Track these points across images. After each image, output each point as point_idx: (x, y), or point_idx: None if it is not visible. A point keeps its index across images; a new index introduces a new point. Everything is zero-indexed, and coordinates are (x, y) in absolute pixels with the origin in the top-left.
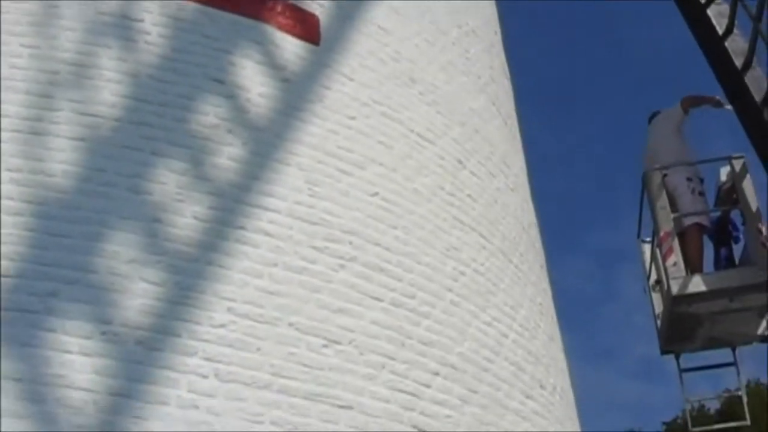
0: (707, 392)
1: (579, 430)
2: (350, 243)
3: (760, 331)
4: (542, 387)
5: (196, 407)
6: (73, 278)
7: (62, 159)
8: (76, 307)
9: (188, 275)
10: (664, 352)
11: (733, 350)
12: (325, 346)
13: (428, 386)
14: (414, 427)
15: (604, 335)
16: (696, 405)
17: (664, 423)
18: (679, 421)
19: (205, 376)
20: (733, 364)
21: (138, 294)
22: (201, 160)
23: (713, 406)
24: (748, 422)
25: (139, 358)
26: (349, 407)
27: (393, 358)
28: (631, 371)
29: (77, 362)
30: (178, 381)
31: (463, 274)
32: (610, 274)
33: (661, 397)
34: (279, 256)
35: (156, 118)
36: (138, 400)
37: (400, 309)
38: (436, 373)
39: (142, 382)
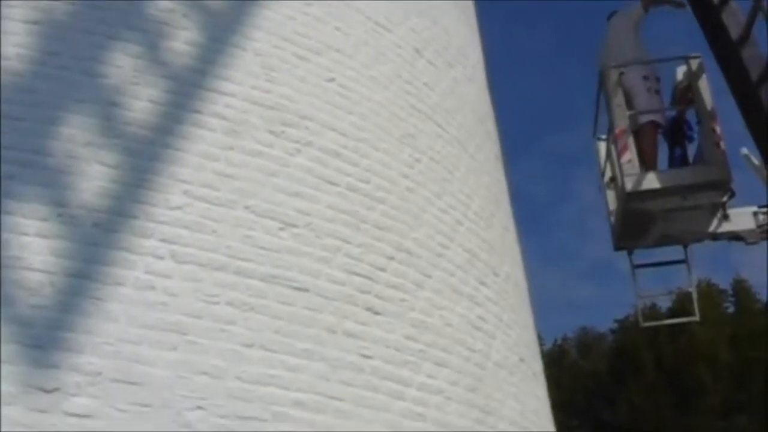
0: (659, 290)
1: (532, 318)
2: (307, 128)
3: (711, 228)
4: (496, 275)
5: (153, 288)
6: (30, 161)
7: (17, 42)
8: (33, 189)
9: (144, 158)
10: (617, 248)
11: (685, 248)
12: (281, 229)
13: (383, 270)
14: (369, 309)
15: (559, 237)
16: (648, 303)
17: (616, 320)
18: (630, 318)
19: (161, 258)
20: (685, 261)
21: (94, 176)
22: (157, 44)
23: (664, 304)
24: (697, 318)
25: (95, 240)
26: (305, 289)
27: (348, 242)
28: (585, 272)
29: (34, 244)
30: (135, 262)
31: (418, 161)
32: (565, 176)
33: (614, 298)
34: (235, 140)
35: (112, 1)
36: (95, 282)
37: (355, 194)
38: (391, 258)
39: (99, 264)
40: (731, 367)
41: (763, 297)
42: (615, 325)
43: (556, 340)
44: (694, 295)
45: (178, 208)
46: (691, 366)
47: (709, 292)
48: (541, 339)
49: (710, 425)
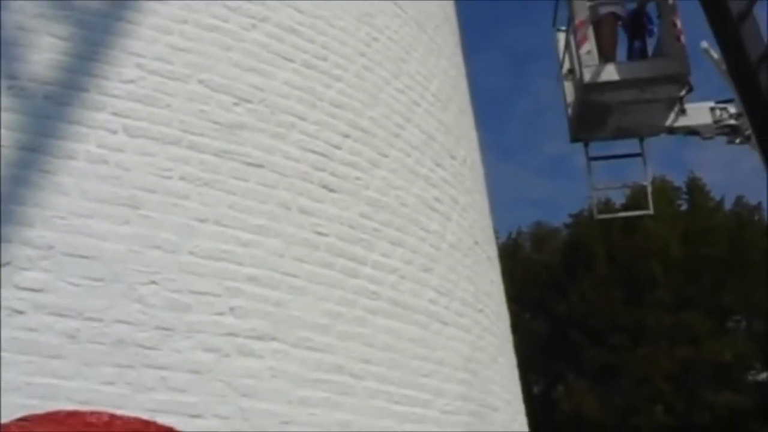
0: (614, 183)
1: (487, 202)
2: (263, 3)
3: (668, 122)
4: (452, 157)
5: (105, 162)
6: None
7: None
8: None
9: (97, 30)
10: (574, 140)
11: (641, 141)
12: (235, 104)
13: (339, 148)
14: (324, 187)
15: (515, 132)
16: (602, 198)
17: (570, 215)
18: (585, 213)
19: (114, 132)
20: (641, 155)
21: (46, 49)
22: None
23: (618, 199)
24: (651, 212)
25: (47, 113)
26: (260, 165)
27: (304, 119)
28: (541, 167)
29: None
30: (87, 136)
31: (376, 40)
32: (522, 71)
33: (569, 193)
34: (189, 13)
35: None
36: (46, 155)
37: (311, 70)
38: (347, 136)
39: (51, 137)
40: (683, 263)
41: (716, 195)
42: (569, 220)
43: (510, 234)
44: (649, 189)
45: (131, 81)
46: (644, 261)
47: (663, 189)
48: (495, 232)
49: (660, 320)
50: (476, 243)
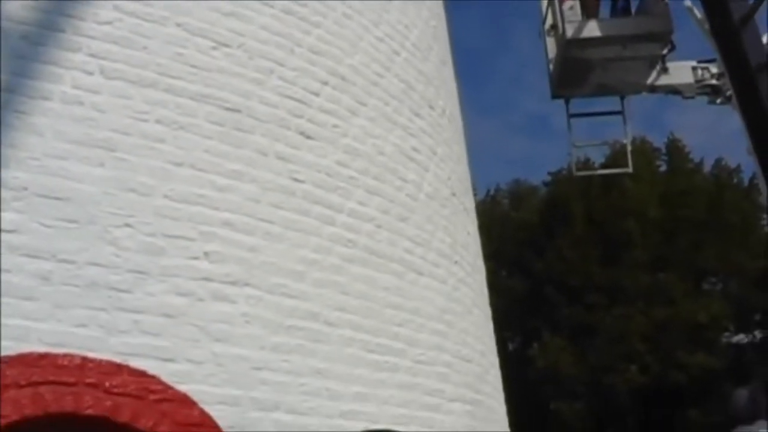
0: (594, 140)
1: (465, 153)
2: None
3: (649, 81)
4: (431, 107)
5: (81, 103)
6: None
7: None
8: None
9: None
10: (554, 96)
11: (622, 99)
12: (213, 48)
13: (317, 95)
14: (301, 133)
15: (495, 89)
16: (582, 157)
17: (549, 173)
18: (564, 171)
19: (90, 73)
20: (621, 113)
21: None
22: None
23: (598, 159)
24: (630, 170)
25: (22, 53)
26: (237, 110)
27: (282, 65)
28: (520, 125)
29: None
30: (63, 76)
31: None
32: (504, 27)
33: (548, 152)
34: None
35: None
36: (21, 95)
37: (291, 16)
38: (325, 83)
39: (26, 77)
40: (661, 223)
41: (695, 157)
42: (548, 178)
43: (488, 191)
44: (628, 147)
45: (108, 23)
46: (622, 221)
47: (643, 149)
48: (474, 189)
49: (637, 279)
50: (453, 194)
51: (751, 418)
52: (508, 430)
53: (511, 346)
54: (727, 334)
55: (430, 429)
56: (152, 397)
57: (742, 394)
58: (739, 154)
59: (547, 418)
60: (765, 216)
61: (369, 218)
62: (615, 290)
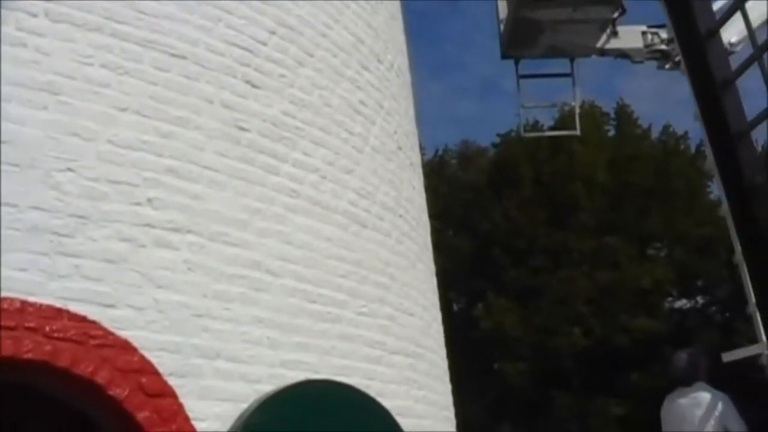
0: (543, 101)
1: (413, 109)
2: None
3: (599, 44)
4: (380, 61)
5: (25, 46)
6: None
7: None
8: None
9: None
10: (504, 56)
11: (572, 62)
12: None
13: (264, 44)
14: (248, 82)
15: (445, 50)
16: (531, 120)
17: (498, 134)
18: (513, 133)
19: (34, 15)
20: (570, 75)
21: None
22: None
23: (547, 122)
24: (578, 132)
25: None
26: (183, 57)
27: (230, 13)
28: (470, 88)
29: None
30: (7, 18)
31: None
32: None
33: (498, 114)
34: None
35: None
36: None
37: None
38: (273, 32)
39: None
40: (608, 188)
41: (644, 123)
42: (497, 140)
43: (437, 151)
44: (577, 109)
45: None
46: (569, 184)
47: (592, 114)
48: (422, 149)
49: (582, 243)
50: (399, 148)
51: (690, 380)
52: (449, 385)
53: (456, 307)
54: (670, 299)
55: (371, 381)
56: (92, 342)
57: (682, 357)
58: (687, 121)
59: (491, 379)
60: (711, 183)
61: (314, 169)
62: (561, 253)
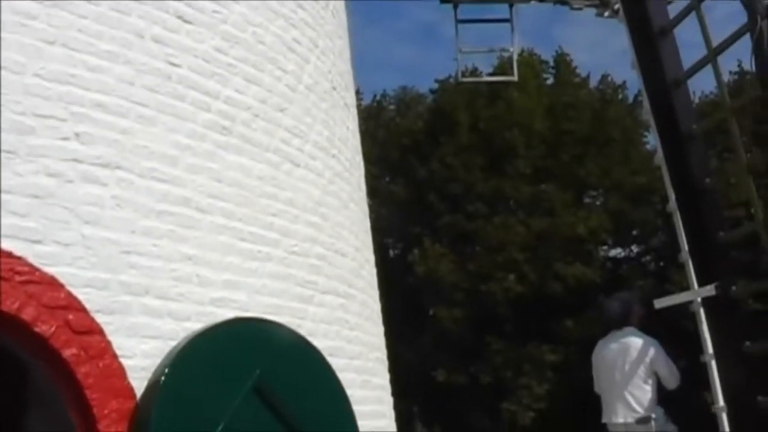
0: (481, 47)
1: (348, 48)
2: None
3: None
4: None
5: None
6: None
7: None
8: None
9: None
10: (444, 0)
11: (511, 7)
12: None
13: None
14: (179, 17)
15: None
16: (470, 66)
17: (436, 80)
18: (451, 80)
19: None
20: (509, 20)
21: None
22: None
23: (486, 69)
24: (515, 78)
25: None
26: None
27: None
28: (409, 33)
29: None
30: None
31: None
32: None
33: (436, 61)
34: None
35: None
36: None
37: None
38: None
39: None
40: (545, 135)
41: (582, 72)
42: (435, 86)
43: (375, 96)
44: (515, 55)
45: None
46: (506, 131)
47: (530, 62)
48: (360, 94)
49: (518, 189)
50: (334, 88)
51: (622, 324)
52: (382, 327)
53: (392, 253)
54: (605, 247)
55: (302, 320)
56: (18, 278)
57: (615, 301)
58: (626, 71)
59: (426, 324)
60: (647, 133)
61: (246, 107)
62: (496, 200)
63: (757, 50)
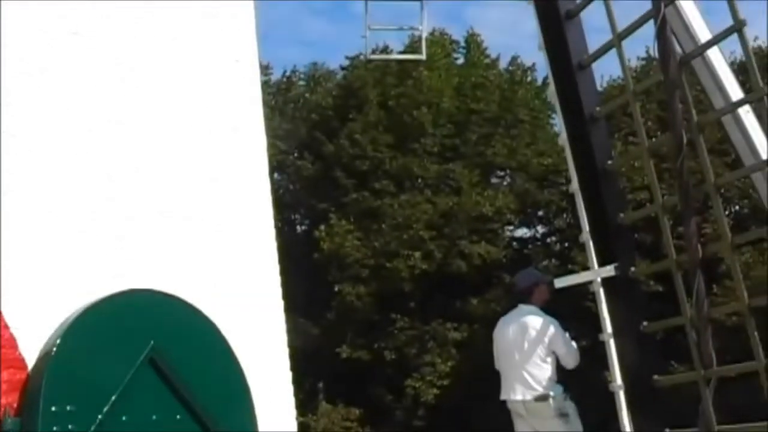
0: (390, 24)
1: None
2: None
3: None
4: None
5: None
6: None
7: None
8: None
9: None
10: None
11: None
12: None
13: None
14: None
15: None
16: (381, 45)
17: (347, 57)
18: (362, 57)
19: None
20: None
21: None
22: None
23: (397, 47)
24: (423, 57)
25: None
26: None
27: None
28: (321, 9)
29: None
30: None
31: None
32: None
33: (348, 38)
34: None
35: None
36: None
37: None
38: None
39: None
40: (453, 115)
41: (492, 53)
42: (346, 63)
43: (285, 71)
44: (424, 33)
45: None
46: (414, 110)
47: (441, 42)
48: (269, 69)
49: (426, 168)
50: (237, 61)
51: (525, 300)
52: (282, 301)
53: (299, 228)
54: (510, 227)
55: (197, 292)
56: None
57: (524, 276)
58: (536, 54)
59: (331, 300)
60: (554, 115)
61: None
62: (403, 177)
63: (660, 36)
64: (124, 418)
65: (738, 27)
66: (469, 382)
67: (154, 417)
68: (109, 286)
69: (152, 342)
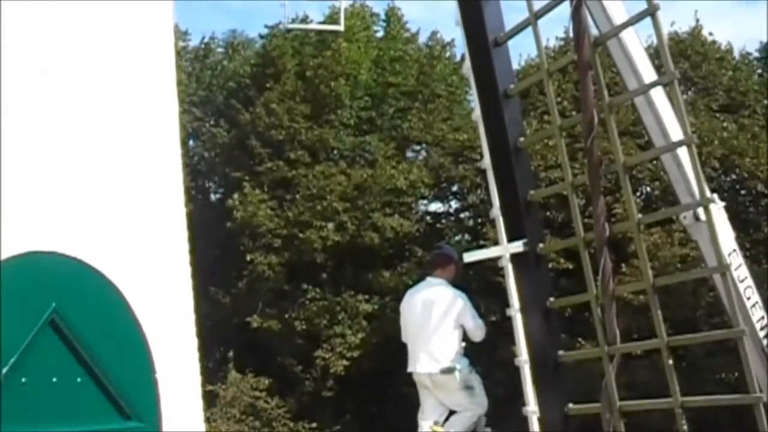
0: None
1: None
2: None
3: None
4: None
5: None
6: None
7: None
8: None
9: None
10: None
11: None
12: None
13: None
14: None
15: None
16: (301, 15)
17: (266, 26)
18: (281, 26)
19: None
20: None
21: None
22: None
23: (317, 18)
24: (341, 28)
25: None
26: None
27: None
28: None
29: None
30: None
31: None
32: None
33: (269, 7)
34: None
35: None
36: None
37: None
38: None
39: None
40: (370, 87)
41: (412, 28)
42: (265, 31)
43: (203, 38)
44: (343, 5)
45: None
46: (332, 81)
47: (362, 14)
48: (188, 35)
49: (341, 139)
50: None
51: (435, 272)
52: (189, 267)
53: (213, 196)
54: (424, 201)
55: (101, 255)
56: None
57: (441, 251)
58: (455, 30)
59: (243, 269)
60: (470, 91)
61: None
62: (319, 148)
63: (575, 15)
64: (23, 380)
65: (652, 11)
66: (378, 354)
67: (54, 380)
68: (12, 247)
69: (54, 304)
